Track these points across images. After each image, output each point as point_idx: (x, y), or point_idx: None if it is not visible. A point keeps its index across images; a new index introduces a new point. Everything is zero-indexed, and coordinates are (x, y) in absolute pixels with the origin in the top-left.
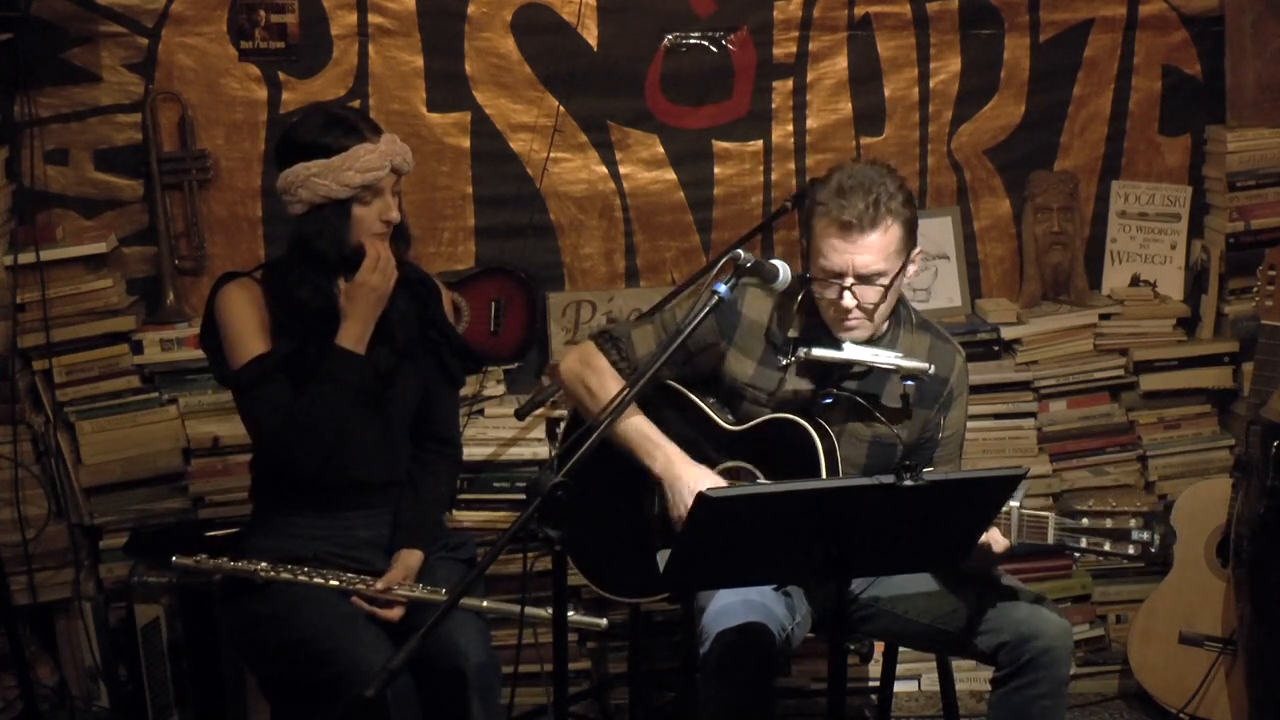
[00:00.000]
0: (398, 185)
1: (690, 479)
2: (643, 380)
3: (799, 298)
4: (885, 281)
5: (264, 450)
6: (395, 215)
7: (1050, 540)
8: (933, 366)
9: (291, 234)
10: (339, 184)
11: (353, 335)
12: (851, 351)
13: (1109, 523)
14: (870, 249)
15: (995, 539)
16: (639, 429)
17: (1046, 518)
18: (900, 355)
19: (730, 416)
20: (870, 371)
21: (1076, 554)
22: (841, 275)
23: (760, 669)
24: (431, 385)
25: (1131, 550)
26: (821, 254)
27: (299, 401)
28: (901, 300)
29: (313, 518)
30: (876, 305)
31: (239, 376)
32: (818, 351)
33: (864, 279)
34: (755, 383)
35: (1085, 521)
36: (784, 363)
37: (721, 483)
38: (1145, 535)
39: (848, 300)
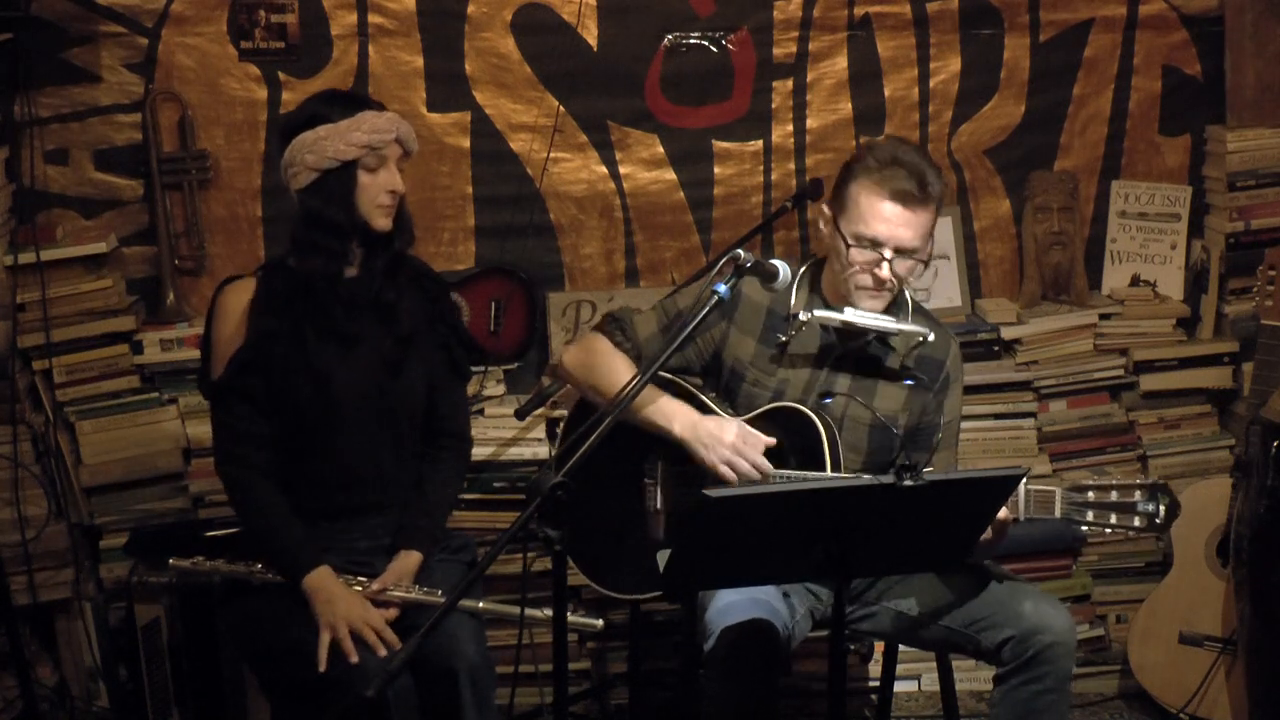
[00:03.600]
0: (402, 163)
1: (713, 427)
2: (653, 368)
3: (796, 279)
4: (921, 257)
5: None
6: (400, 186)
7: (1058, 514)
8: (931, 334)
9: (296, 214)
10: (346, 143)
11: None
12: (852, 315)
13: (1114, 495)
14: (916, 225)
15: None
16: (650, 399)
17: (1054, 492)
18: (899, 321)
19: (730, 409)
20: (869, 346)
21: (1084, 528)
22: (883, 245)
23: (765, 665)
24: (439, 379)
25: (1138, 522)
26: (864, 220)
27: (244, 474)
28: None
29: (313, 527)
30: (905, 279)
31: (214, 386)
32: (819, 313)
33: (903, 253)
34: (756, 361)
35: (1091, 495)
36: (783, 339)
37: (743, 429)
38: (1150, 506)
39: (885, 271)
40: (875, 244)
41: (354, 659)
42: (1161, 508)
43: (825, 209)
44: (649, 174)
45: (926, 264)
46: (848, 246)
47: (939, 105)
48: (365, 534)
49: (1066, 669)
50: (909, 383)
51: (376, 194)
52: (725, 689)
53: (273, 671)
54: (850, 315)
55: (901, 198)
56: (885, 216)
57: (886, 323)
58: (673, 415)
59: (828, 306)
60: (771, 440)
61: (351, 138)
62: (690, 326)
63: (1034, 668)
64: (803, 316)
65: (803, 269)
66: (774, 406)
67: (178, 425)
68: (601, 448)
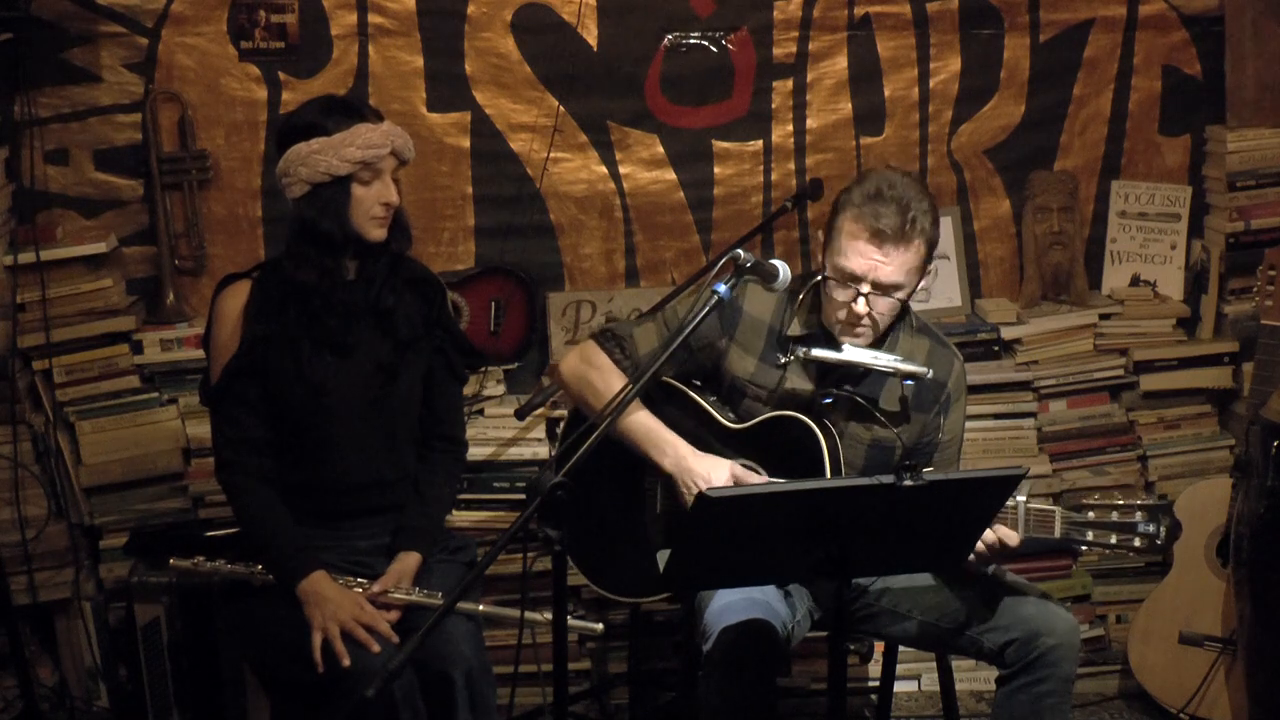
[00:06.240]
0: (398, 171)
1: (703, 470)
2: (644, 378)
3: (801, 296)
4: (902, 295)
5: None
6: (394, 198)
7: (1057, 534)
8: (931, 370)
9: (291, 222)
10: (340, 159)
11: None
12: (850, 353)
13: (1115, 516)
14: (895, 262)
15: (1007, 535)
16: (645, 425)
17: (1054, 512)
18: (899, 358)
19: (731, 415)
20: (869, 374)
21: (1083, 548)
22: (860, 280)
23: (764, 665)
24: (437, 383)
25: (1138, 543)
26: (843, 254)
27: (241, 480)
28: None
29: (312, 528)
30: (885, 316)
31: (210, 393)
32: (816, 352)
33: (881, 289)
34: (756, 379)
35: (1091, 515)
36: (783, 360)
37: (736, 471)
38: (1151, 528)
39: (861, 306)
40: (854, 279)
41: (345, 662)
42: (1162, 529)
43: (820, 235)
44: (649, 174)
45: (904, 301)
46: (828, 279)
47: (939, 105)
48: (365, 535)
49: (1069, 672)
50: (909, 383)
51: (370, 206)
52: (724, 689)
53: (273, 671)
54: (849, 354)
55: (879, 236)
56: (863, 252)
57: (884, 361)
58: (663, 448)
59: (826, 331)
60: (761, 478)
61: (345, 153)
62: (689, 328)
63: (1037, 670)
64: (800, 352)
65: (808, 286)
66: (774, 415)
67: (177, 425)
68: (605, 451)
